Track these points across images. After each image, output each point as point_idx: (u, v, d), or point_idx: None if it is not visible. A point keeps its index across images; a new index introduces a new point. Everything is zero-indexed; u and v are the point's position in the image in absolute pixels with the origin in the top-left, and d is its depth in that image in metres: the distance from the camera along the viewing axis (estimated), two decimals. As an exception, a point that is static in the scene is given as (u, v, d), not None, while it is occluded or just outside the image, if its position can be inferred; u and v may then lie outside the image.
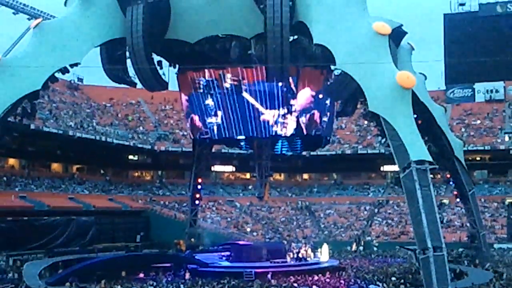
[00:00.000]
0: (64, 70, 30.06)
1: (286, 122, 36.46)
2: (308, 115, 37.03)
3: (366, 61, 27.64)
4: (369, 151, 67.24)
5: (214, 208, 65.93)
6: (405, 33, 33.90)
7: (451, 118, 71.14)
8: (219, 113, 36.87)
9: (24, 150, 56.51)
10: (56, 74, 29.97)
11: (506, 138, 66.34)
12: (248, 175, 69.42)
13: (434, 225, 25.65)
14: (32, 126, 49.04)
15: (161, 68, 34.49)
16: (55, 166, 62.86)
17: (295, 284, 29.52)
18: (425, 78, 38.00)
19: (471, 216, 41.78)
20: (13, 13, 60.20)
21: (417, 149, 26.88)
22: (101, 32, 31.51)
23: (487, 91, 76.20)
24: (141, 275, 33.39)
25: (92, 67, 33.84)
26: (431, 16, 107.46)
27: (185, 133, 63.23)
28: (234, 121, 36.67)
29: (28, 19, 59.74)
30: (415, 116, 29.80)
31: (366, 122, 59.30)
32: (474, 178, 59.76)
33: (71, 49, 30.27)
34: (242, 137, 37.74)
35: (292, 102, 36.17)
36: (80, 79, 76.78)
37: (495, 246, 51.73)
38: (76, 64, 30.38)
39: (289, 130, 36.76)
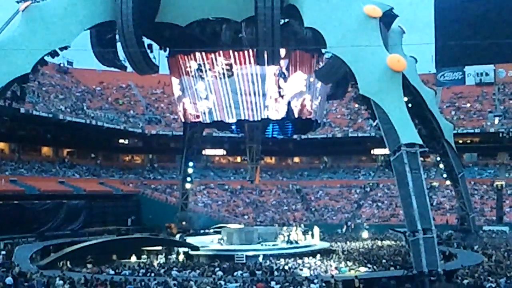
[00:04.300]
0: (54, 54, 29.71)
1: (277, 106, 36.37)
2: (299, 99, 36.96)
3: (357, 44, 27.54)
4: (360, 135, 67.50)
5: (205, 192, 65.99)
6: (396, 16, 33.85)
7: (441, 101, 71.32)
8: (210, 96, 36.72)
9: (14, 134, 56.19)
10: (46, 58, 29.68)
11: (496, 121, 66.55)
12: (239, 159, 69.53)
13: (424, 208, 25.80)
14: (22, 110, 48.75)
15: (152, 51, 34.07)
16: (46, 150, 62.66)
17: (286, 267, 29.70)
18: (416, 61, 38.01)
19: (460, 199, 42.17)
20: (1, -5, 59.69)
21: (408, 132, 26.93)
22: (91, 15, 31.07)
23: (477, 74, 76.41)
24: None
25: (82, 51, 33.54)
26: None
27: (176, 116, 63.02)
28: (225, 105, 36.52)
29: (17, 1, 58.78)
30: (406, 99, 29.87)
31: (356, 105, 59.23)
32: (464, 160, 60.25)
33: (61, 32, 29.90)
34: (233, 120, 37.57)
35: (283, 85, 36.05)
36: (70, 63, 76.21)
37: (485, 228, 52.07)
38: (65, 48, 30.00)
39: (280, 113, 36.64)
